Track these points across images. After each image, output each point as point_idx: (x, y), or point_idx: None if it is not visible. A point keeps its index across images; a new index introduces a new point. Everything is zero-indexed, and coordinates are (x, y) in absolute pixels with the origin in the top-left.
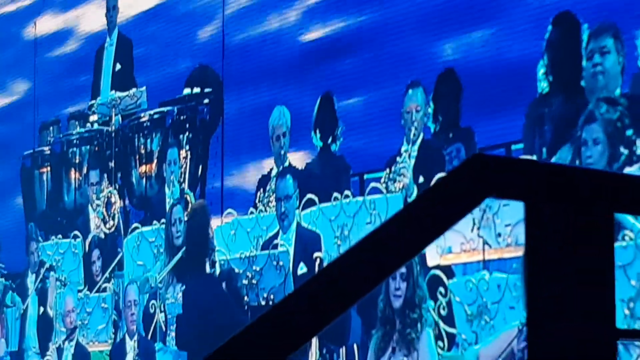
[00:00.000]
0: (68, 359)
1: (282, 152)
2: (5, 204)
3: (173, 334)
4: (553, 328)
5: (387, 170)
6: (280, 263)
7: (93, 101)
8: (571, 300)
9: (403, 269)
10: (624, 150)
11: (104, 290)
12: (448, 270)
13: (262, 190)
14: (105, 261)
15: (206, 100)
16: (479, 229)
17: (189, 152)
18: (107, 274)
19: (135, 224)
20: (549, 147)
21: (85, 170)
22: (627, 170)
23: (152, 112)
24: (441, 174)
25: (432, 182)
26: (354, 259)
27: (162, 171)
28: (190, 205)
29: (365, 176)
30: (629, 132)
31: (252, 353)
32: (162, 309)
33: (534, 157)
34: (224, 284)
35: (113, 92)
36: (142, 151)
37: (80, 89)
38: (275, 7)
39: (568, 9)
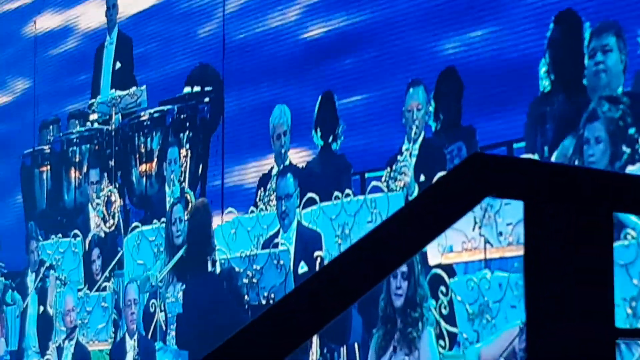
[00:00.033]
0: (68, 358)
1: (283, 151)
2: (5, 202)
3: (173, 333)
4: (553, 328)
5: (388, 169)
6: (281, 262)
7: (93, 100)
8: (571, 300)
9: (404, 268)
10: (626, 149)
11: (104, 289)
12: (449, 269)
13: (262, 189)
14: (105, 260)
15: (206, 99)
16: (480, 227)
17: (189, 151)
18: (107, 273)
19: (136, 223)
20: (551, 145)
21: (85, 169)
22: (630, 168)
23: (152, 110)
24: (442, 173)
25: (433, 181)
26: (355, 257)
27: (162, 170)
28: (190, 204)
29: (366, 175)
30: (631, 131)
31: (253, 351)
32: (163, 308)
33: (536, 156)
34: (224, 283)
35: (113, 90)
36: (142, 150)
37: (80, 87)
38: (275, 6)
39: (570, 7)
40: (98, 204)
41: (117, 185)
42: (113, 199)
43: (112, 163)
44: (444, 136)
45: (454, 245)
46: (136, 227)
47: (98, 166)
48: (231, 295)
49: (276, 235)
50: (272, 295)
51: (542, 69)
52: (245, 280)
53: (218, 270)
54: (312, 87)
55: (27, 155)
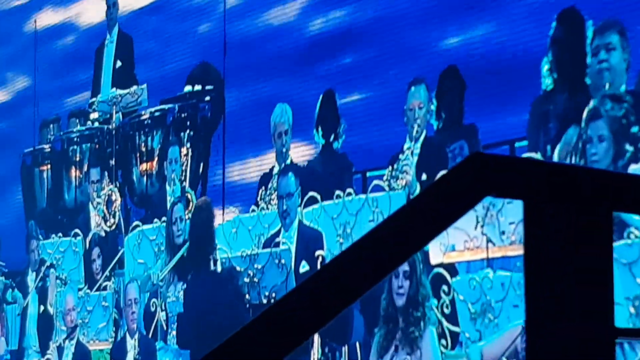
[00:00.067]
0: (68, 357)
1: (284, 150)
2: (5, 202)
3: (174, 332)
4: (553, 328)
5: (390, 167)
6: (282, 261)
7: (94, 99)
8: (571, 300)
9: (406, 267)
10: (629, 148)
11: (105, 288)
12: (451, 269)
13: (263, 188)
14: (105, 259)
15: (207, 98)
16: (482, 226)
17: (190, 150)
18: (107, 272)
19: (136, 222)
20: (554, 144)
21: (85, 168)
22: (633, 167)
23: (153, 109)
24: (444, 172)
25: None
26: (356, 256)
27: (163, 169)
28: (191, 203)
29: (368, 174)
30: (634, 129)
31: (254, 350)
32: (163, 307)
33: (538, 155)
34: (225, 283)
35: (114, 89)
36: (143, 149)
37: (81, 86)
38: (276, 3)
39: (573, 5)
40: (99, 203)
41: (118, 185)
42: (114, 198)
43: (112, 162)
44: (445, 135)
45: (456, 244)
46: (137, 226)
47: (99, 165)
48: (232, 295)
49: (277, 234)
50: (274, 295)
51: (545, 67)
52: (247, 280)
53: (219, 269)
54: (313, 85)
55: (27, 154)
